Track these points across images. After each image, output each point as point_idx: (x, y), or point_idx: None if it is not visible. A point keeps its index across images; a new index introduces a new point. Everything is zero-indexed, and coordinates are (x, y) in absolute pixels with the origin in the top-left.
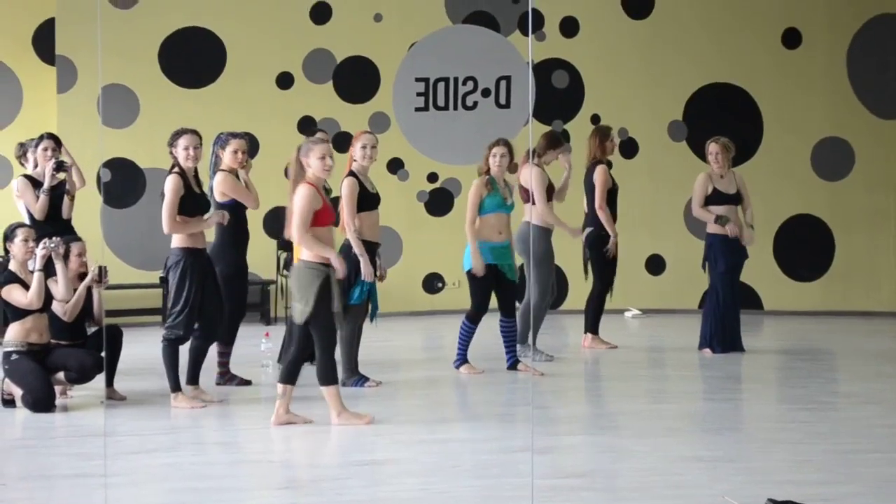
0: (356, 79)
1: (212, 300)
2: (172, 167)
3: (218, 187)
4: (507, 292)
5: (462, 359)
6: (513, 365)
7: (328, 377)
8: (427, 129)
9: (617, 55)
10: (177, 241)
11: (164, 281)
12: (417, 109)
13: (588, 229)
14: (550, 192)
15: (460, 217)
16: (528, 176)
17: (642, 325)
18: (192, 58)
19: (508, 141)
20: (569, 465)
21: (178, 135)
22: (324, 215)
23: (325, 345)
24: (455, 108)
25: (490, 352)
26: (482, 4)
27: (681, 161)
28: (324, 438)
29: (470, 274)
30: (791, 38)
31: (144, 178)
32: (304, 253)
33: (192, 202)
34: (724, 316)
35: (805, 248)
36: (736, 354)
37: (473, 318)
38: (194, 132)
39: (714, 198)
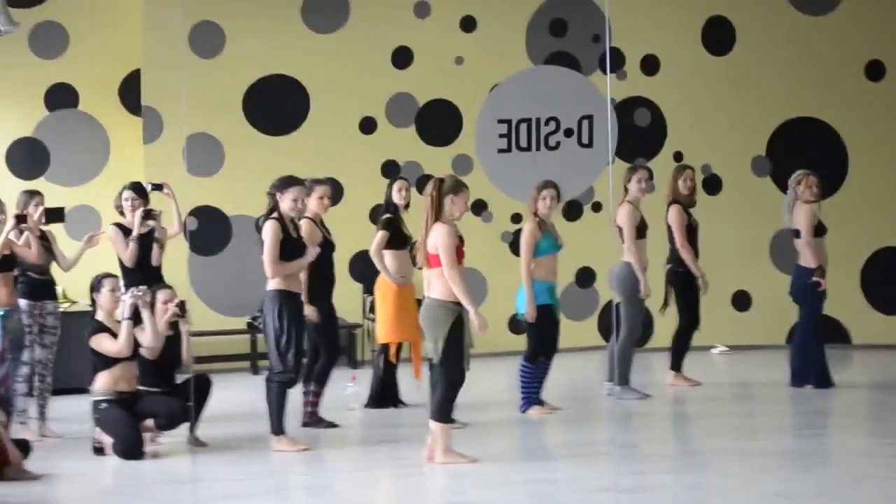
0: (439, 122)
1: (302, 344)
2: (270, 212)
3: (303, 233)
4: (556, 332)
5: (528, 401)
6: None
7: (443, 415)
8: (510, 170)
9: (698, 91)
10: (273, 284)
11: (251, 326)
12: (500, 151)
13: (668, 266)
14: (642, 230)
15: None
16: (621, 216)
17: (729, 361)
18: (276, 105)
19: (556, 184)
20: None
21: (287, 183)
22: (458, 254)
23: (450, 383)
24: (538, 148)
25: (563, 392)
26: (563, 45)
27: (765, 196)
28: (412, 481)
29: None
30: (874, 71)
31: (230, 226)
32: (434, 291)
33: (290, 247)
34: (819, 349)
35: (892, 281)
36: (824, 389)
37: (533, 358)
38: (303, 185)
39: (818, 230)
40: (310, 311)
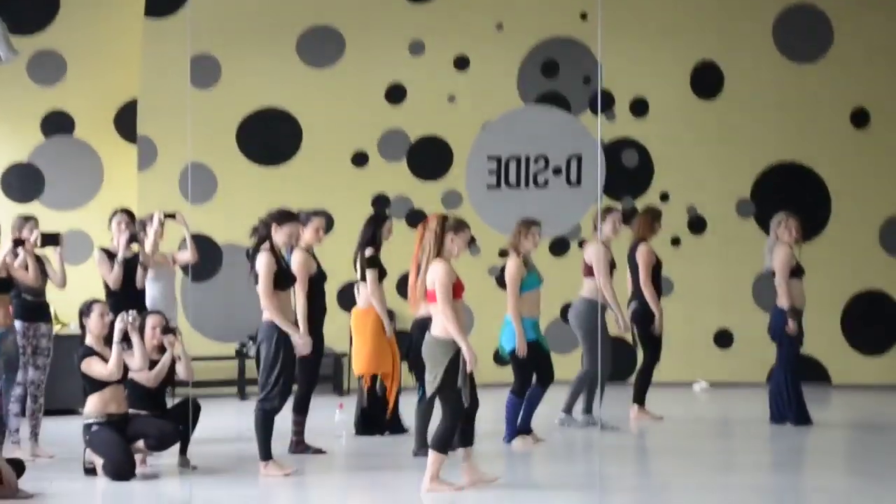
0: (430, 157)
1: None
2: (261, 242)
3: (297, 264)
4: (548, 363)
5: (512, 432)
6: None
7: (441, 444)
8: (498, 207)
9: (685, 134)
10: (269, 314)
11: (239, 354)
12: (489, 187)
13: (632, 303)
14: (610, 268)
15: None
16: (592, 253)
17: (710, 397)
18: (269, 137)
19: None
20: None
21: (285, 218)
22: (457, 289)
23: (450, 415)
24: (526, 185)
25: (544, 423)
26: (554, 85)
27: (748, 238)
28: None
29: (514, 352)
30: (859, 118)
31: (221, 254)
32: (434, 327)
33: (283, 279)
34: (796, 388)
35: (872, 323)
36: (803, 427)
37: (521, 391)
38: (299, 220)
39: (796, 271)
40: (306, 343)
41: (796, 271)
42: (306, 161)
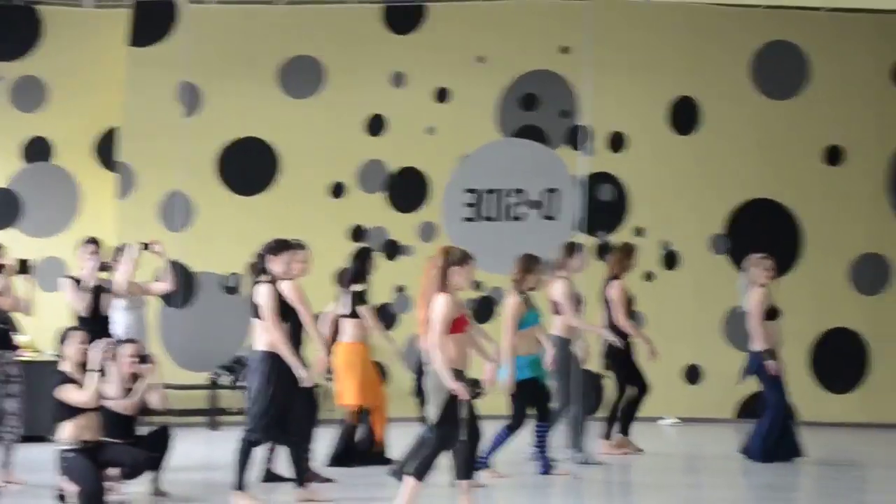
0: (408, 189)
1: (298, 403)
2: (260, 274)
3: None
4: (547, 399)
5: (545, 463)
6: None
7: (418, 471)
8: (475, 239)
9: (662, 169)
10: (263, 345)
11: (211, 383)
12: (466, 219)
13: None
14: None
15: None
16: (559, 290)
17: (679, 433)
18: (248, 166)
19: None
20: None
21: (281, 247)
22: (459, 323)
23: (438, 445)
24: (503, 218)
25: (518, 457)
26: (532, 119)
27: (721, 273)
28: None
29: (517, 388)
30: (833, 156)
31: (196, 282)
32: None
33: (284, 310)
34: (781, 425)
35: (842, 361)
36: (773, 465)
37: (516, 428)
38: (295, 248)
39: (770, 313)
40: (311, 374)
41: (771, 313)
42: (284, 191)
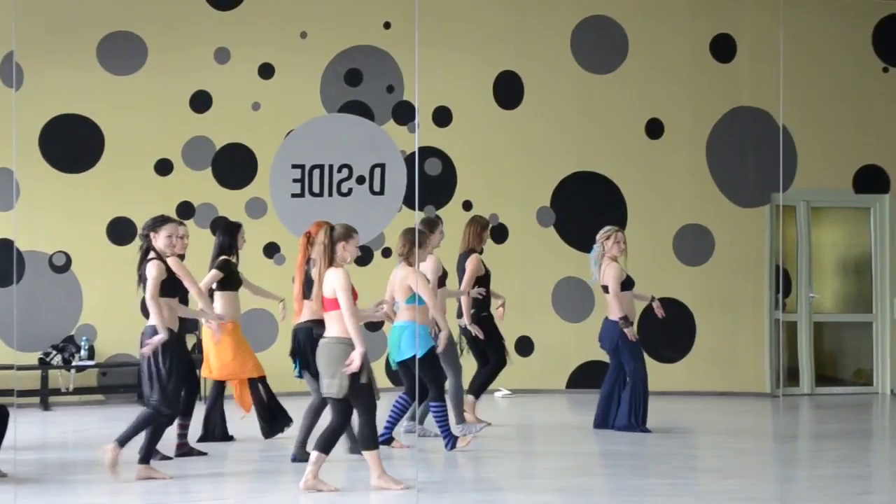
0: (234, 165)
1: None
2: (146, 252)
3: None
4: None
5: (451, 439)
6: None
7: (369, 442)
8: (303, 215)
9: (488, 143)
10: (154, 320)
11: (42, 362)
12: (294, 195)
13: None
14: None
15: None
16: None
17: (512, 404)
18: (72, 144)
19: None
20: None
21: (160, 222)
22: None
23: (365, 412)
24: (330, 194)
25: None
26: (357, 94)
27: (549, 245)
28: None
29: (427, 358)
30: (654, 129)
31: (23, 260)
32: (332, 331)
33: (171, 285)
34: (640, 395)
35: (668, 331)
36: (606, 433)
37: (441, 397)
38: (175, 222)
39: (625, 284)
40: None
41: (626, 284)
42: (109, 169)
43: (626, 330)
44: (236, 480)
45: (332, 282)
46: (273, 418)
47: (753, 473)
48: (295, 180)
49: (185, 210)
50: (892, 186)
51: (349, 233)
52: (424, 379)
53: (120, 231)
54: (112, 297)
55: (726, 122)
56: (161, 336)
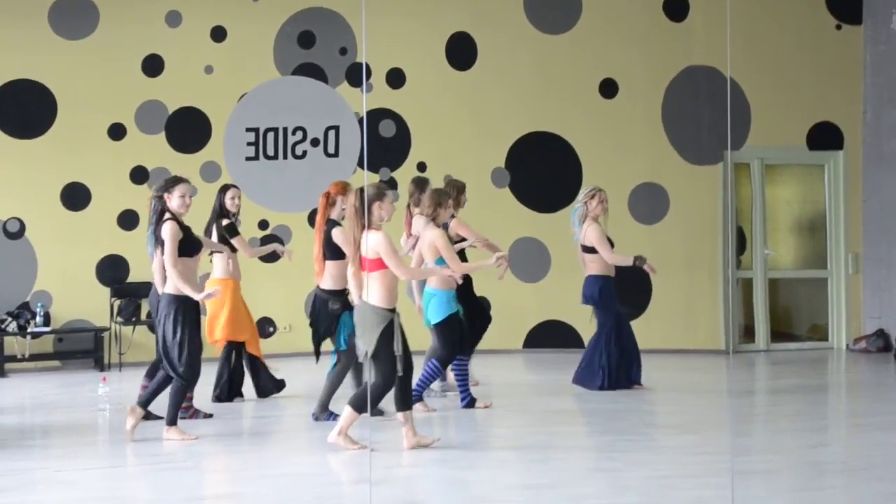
0: (188, 129)
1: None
2: (161, 214)
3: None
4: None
5: (467, 398)
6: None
7: (358, 404)
8: (257, 178)
9: (442, 105)
10: (169, 288)
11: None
12: (248, 159)
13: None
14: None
15: (289, 264)
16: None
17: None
18: (24, 109)
19: None
20: (405, 497)
21: (172, 183)
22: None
23: (381, 379)
24: (285, 157)
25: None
26: (310, 56)
27: (504, 206)
28: (167, 477)
29: (445, 323)
30: (608, 89)
31: None
32: (371, 296)
33: (187, 244)
34: (628, 351)
35: (624, 289)
36: (567, 390)
37: (448, 362)
38: (187, 182)
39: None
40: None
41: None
42: (63, 134)
43: (647, 267)
44: (252, 441)
45: (376, 245)
46: (231, 385)
47: (710, 428)
48: (249, 143)
49: (140, 174)
50: (845, 143)
51: (381, 192)
52: (439, 342)
53: (74, 196)
54: (67, 262)
55: (680, 81)
56: (215, 289)
